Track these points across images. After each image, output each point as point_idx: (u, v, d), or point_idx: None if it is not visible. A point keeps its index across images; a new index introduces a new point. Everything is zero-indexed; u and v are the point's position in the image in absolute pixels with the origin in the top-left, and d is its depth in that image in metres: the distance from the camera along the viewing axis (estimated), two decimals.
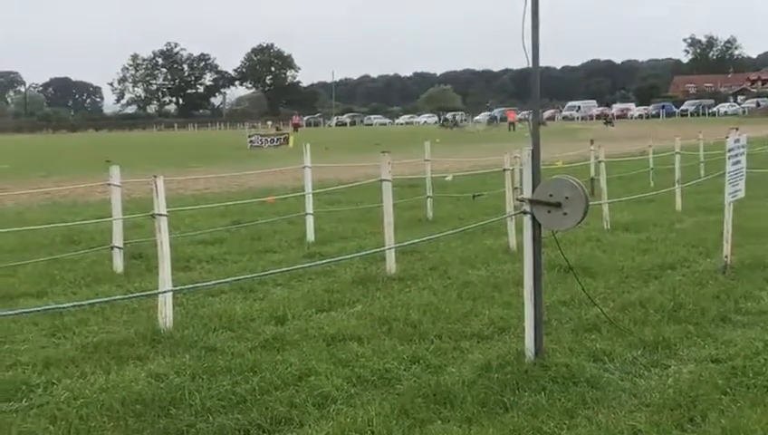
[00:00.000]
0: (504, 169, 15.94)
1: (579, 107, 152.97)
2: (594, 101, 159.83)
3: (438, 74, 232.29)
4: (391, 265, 12.78)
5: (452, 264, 13.40)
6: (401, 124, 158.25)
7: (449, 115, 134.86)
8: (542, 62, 8.08)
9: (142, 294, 10.65)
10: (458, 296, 11.02)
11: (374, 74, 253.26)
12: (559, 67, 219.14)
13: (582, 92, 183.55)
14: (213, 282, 10.83)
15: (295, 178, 26.63)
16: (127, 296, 10.60)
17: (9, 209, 23.57)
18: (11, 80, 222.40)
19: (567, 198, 7.90)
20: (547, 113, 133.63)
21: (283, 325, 9.80)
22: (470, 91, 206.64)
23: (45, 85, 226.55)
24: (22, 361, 8.48)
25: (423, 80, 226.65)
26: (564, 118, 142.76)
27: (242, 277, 11.53)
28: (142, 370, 8.10)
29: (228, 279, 11.34)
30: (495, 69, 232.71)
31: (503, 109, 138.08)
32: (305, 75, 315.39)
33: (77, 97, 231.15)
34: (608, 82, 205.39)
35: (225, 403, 7.13)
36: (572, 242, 14.68)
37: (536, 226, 8.01)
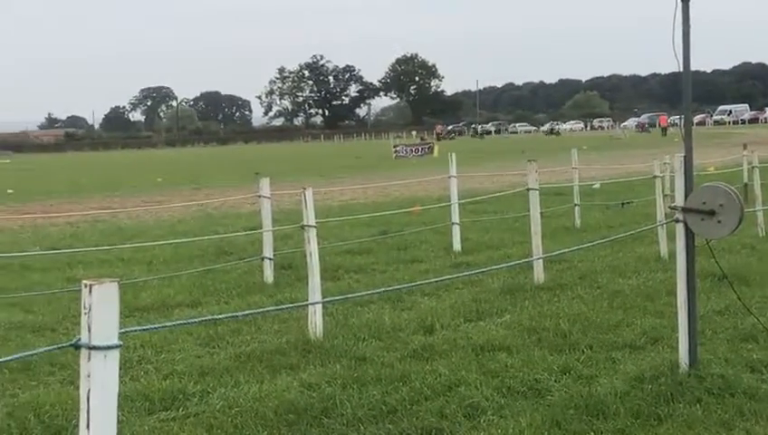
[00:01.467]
0: (654, 176, 15.65)
1: (730, 111, 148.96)
2: (746, 105, 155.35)
3: (584, 80, 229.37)
4: (539, 274, 12.67)
5: (602, 273, 13.21)
6: (546, 132, 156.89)
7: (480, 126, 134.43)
8: (692, 66, 7.89)
9: (293, 305, 10.81)
10: (609, 306, 10.85)
11: (518, 82, 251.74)
12: (709, 70, 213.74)
13: (733, 96, 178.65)
14: (362, 293, 10.90)
15: (441, 187, 26.69)
16: (279, 308, 10.77)
17: (164, 221, 24.25)
18: (163, 95, 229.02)
19: (721, 205, 7.70)
20: (697, 118, 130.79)
21: (431, 335, 9.81)
22: (617, 97, 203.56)
23: (196, 99, 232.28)
24: (178, 370, 8.70)
25: (568, 86, 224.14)
26: (716, 123, 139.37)
27: (391, 288, 11.59)
28: (294, 379, 8.22)
29: (378, 290, 11.41)
30: (643, 73, 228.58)
31: (651, 114, 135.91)
32: (449, 84, 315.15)
33: (227, 110, 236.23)
34: (760, 86, 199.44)
35: (375, 413, 7.18)
36: (726, 249, 14.30)
37: (689, 234, 7.83)
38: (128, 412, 7.18)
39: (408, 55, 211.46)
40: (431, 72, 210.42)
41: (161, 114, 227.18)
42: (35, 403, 7.54)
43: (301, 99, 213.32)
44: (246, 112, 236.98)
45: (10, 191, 39.99)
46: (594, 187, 26.42)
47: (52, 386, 8.25)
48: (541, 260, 12.62)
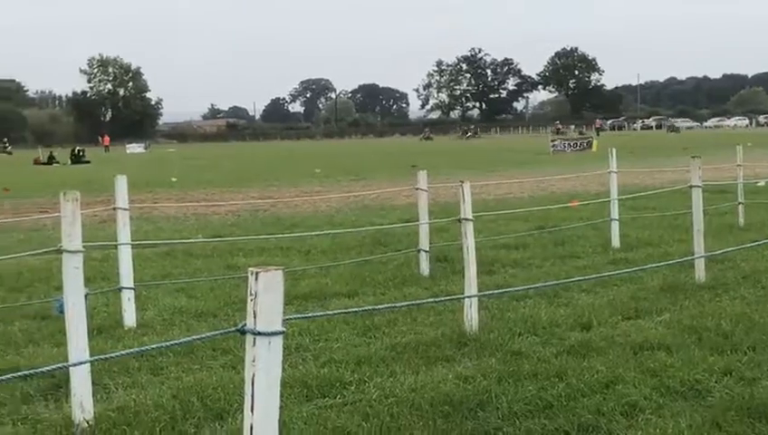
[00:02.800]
0: None
1: None
2: None
3: (750, 76, 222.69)
4: (701, 273, 12.39)
5: (766, 273, 12.83)
6: (709, 128, 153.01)
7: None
8: None
9: (449, 298, 10.84)
10: None
11: (681, 76, 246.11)
12: None
13: None
14: (518, 288, 10.87)
15: (599, 183, 26.34)
16: (436, 300, 10.80)
17: (322, 212, 24.62)
18: (322, 87, 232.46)
19: None
20: None
21: (588, 332, 9.71)
22: None
23: (354, 92, 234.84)
24: (335, 358, 8.84)
25: (733, 81, 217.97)
26: None
27: (548, 283, 11.50)
28: (449, 371, 8.25)
29: (535, 285, 11.34)
30: None
31: None
32: (609, 78, 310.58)
33: (384, 103, 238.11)
34: None
35: (531, 408, 7.16)
36: None
37: None
38: (286, 398, 7.32)
39: (568, 48, 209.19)
40: (591, 65, 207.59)
41: (320, 106, 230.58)
42: (198, 386, 7.78)
43: (458, 92, 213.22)
44: (403, 105, 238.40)
45: (174, 179, 41.22)
46: (759, 184, 25.64)
47: (214, 370, 8.48)
48: (702, 259, 12.33)
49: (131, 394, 7.74)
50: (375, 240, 17.27)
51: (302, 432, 6.69)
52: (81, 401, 7.00)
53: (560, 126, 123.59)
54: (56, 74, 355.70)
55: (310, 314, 9.64)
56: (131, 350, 7.36)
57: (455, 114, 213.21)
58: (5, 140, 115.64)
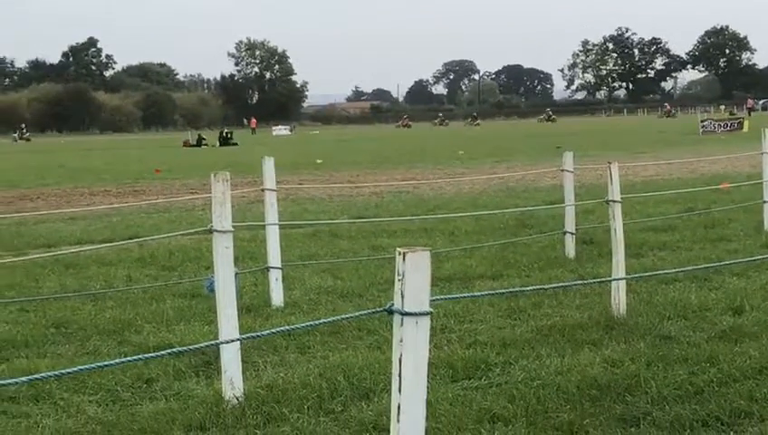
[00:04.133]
0: None
1: None
2: None
3: None
4: None
5: None
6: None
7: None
8: None
9: (597, 280, 10.69)
10: None
11: None
12: None
13: None
14: (668, 270, 10.64)
15: (750, 164, 25.59)
16: (583, 283, 10.67)
17: (466, 193, 24.57)
18: (465, 68, 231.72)
19: None
20: None
21: (740, 316, 9.44)
22: None
23: (498, 73, 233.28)
24: (480, 340, 8.81)
25: None
26: None
27: (698, 267, 11.24)
28: (596, 355, 8.13)
29: (685, 268, 11.11)
30: None
31: None
32: (762, 57, 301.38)
33: (528, 84, 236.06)
34: None
35: (681, 393, 7.00)
36: None
37: None
38: (431, 379, 7.32)
39: (718, 27, 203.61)
40: (742, 44, 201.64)
41: (463, 87, 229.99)
42: (345, 365, 7.85)
43: (604, 72, 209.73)
44: (548, 86, 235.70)
45: (319, 161, 41.72)
46: None
47: (360, 350, 8.55)
48: None
49: (279, 372, 7.86)
50: (519, 222, 17.14)
51: (448, 413, 6.68)
52: (231, 378, 7.15)
53: (668, 107, 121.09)
54: (205, 58, 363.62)
55: (456, 295, 9.63)
56: (279, 328, 7.46)
57: (600, 95, 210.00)
58: (23, 126, 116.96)
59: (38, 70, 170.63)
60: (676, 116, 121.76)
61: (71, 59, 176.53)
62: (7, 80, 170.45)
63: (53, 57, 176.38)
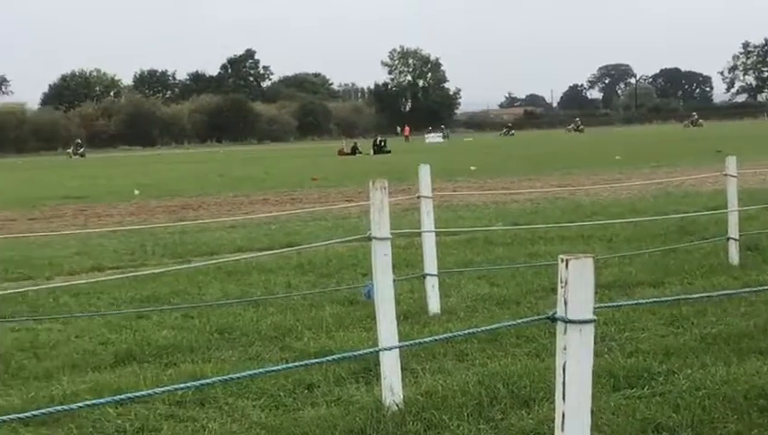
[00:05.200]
0: None
1: None
2: None
3: None
4: None
5: None
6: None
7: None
8: None
9: (765, 288, 10.37)
10: None
11: None
12: None
13: None
14: None
15: None
16: (752, 290, 10.35)
17: (623, 199, 24.18)
18: (622, 72, 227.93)
19: None
20: None
21: None
22: None
23: (655, 76, 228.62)
24: (642, 348, 8.64)
25: None
26: None
27: None
28: (764, 364, 7.88)
29: None
30: None
31: None
32: None
33: (686, 87, 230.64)
34: None
35: None
36: None
37: None
38: (593, 387, 7.21)
39: None
40: None
41: (619, 92, 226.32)
42: (504, 373, 7.80)
43: (766, 74, 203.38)
44: (707, 89, 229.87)
45: (473, 168, 41.66)
46: None
47: (518, 357, 8.49)
48: None
49: (438, 379, 7.87)
50: (680, 228, 16.76)
51: (611, 422, 6.58)
52: (391, 385, 7.19)
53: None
54: (359, 67, 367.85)
55: (620, 303, 9.47)
56: (438, 336, 7.49)
57: (762, 97, 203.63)
58: (79, 141, 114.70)
59: (198, 82, 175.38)
60: None
61: (229, 70, 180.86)
62: (169, 92, 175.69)
63: (212, 69, 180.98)
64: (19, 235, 19.04)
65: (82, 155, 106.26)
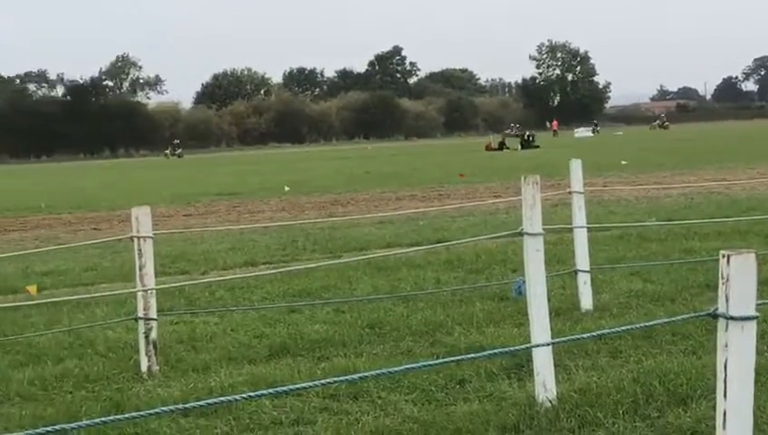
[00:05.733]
0: None
1: None
2: None
3: None
4: None
5: None
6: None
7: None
8: None
9: None
10: None
11: None
12: None
13: None
14: None
15: None
16: None
17: None
18: None
19: None
20: None
21: None
22: None
23: None
24: None
25: None
26: None
27: None
28: None
29: None
30: None
31: None
32: None
33: None
34: None
35: None
36: None
37: None
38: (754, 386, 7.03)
39: None
40: None
41: None
42: (659, 370, 7.66)
43: None
44: None
45: (624, 162, 41.00)
46: None
47: (674, 355, 8.33)
48: None
49: (592, 376, 7.77)
50: None
51: None
52: (544, 381, 7.14)
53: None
54: (506, 62, 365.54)
55: None
56: (592, 333, 7.39)
57: None
58: (177, 142, 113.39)
59: (346, 79, 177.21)
60: None
61: (376, 67, 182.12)
62: (317, 89, 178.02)
63: (360, 66, 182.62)
64: (175, 230, 19.59)
65: (180, 156, 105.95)
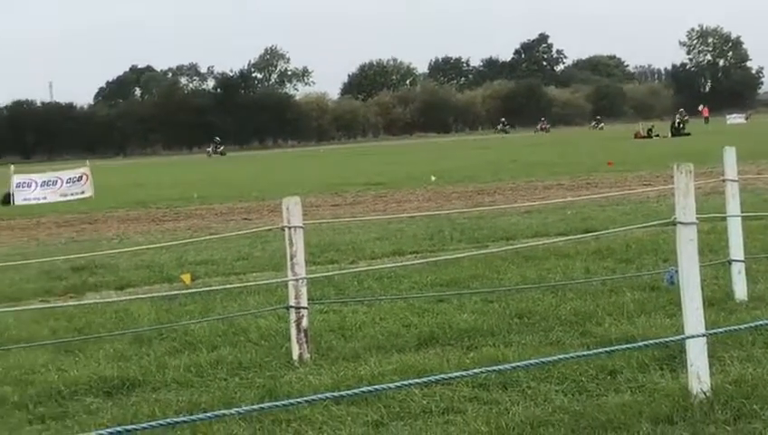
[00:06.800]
0: None
1: None
2: None
3: None
4: None
5: None
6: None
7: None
8: None
9: None
10: None
11: None
12: None
13: None
14: None
15: None
16: None
17: None
18: None
19: None
20: None
21: None
22: None
23: None
24: None
25: None
26: None
27: None
28: None
29: None
30: None
31: None
32: None
33: None
34: None
35: None
36: None
37: None
38: None
39: None
40: None
41: None
42: None
43: None
44: None
45: None
46: None
47: None
48: None
49: (747, 368, 7.60)
50: None
51: None
52: (698, 372, 7.01)
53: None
54: (655, 48, 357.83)
55: None
56: (749, 324, 7.22)
57: None
58: (218, 139, 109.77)
59: (491, 68, 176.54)
60: None
61: (522, 56, 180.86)
62: (463, 78, 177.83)
63: (506, 55, 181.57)
64: (323, 220, 19.87)
65: (222, 153, 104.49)
